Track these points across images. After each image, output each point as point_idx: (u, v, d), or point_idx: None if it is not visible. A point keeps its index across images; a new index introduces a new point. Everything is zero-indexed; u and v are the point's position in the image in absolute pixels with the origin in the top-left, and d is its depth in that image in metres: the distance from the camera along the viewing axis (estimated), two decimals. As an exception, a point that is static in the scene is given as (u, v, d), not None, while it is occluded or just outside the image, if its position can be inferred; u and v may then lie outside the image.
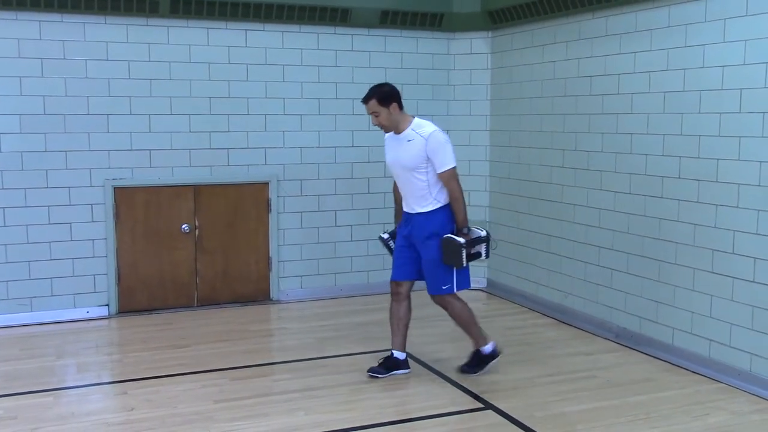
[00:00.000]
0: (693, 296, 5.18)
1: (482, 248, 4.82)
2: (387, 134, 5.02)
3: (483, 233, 4.82)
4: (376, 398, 4.71)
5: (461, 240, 4.70)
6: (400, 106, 4.84)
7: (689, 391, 4.80)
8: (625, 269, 5.77)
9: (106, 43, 6.27)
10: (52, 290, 6.32)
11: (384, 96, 4.78)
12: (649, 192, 5.52)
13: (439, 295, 4.93)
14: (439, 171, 4.74)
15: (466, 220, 4.81)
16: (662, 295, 5.44)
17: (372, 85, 4.91)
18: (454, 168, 4.77)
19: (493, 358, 5.10)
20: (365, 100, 4.83)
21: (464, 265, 4.75)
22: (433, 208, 4.81)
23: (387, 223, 7.27)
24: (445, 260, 4.78)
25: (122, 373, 5.24)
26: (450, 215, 4.83)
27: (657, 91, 5.41)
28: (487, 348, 5.09)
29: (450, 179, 4.76)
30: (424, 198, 4.82)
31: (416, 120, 4.86)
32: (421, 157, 4.73)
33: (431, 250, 4.82)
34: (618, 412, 4.46)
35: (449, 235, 4.75)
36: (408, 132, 4.82)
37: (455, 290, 4.90)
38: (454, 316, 5.03)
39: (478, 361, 5.08)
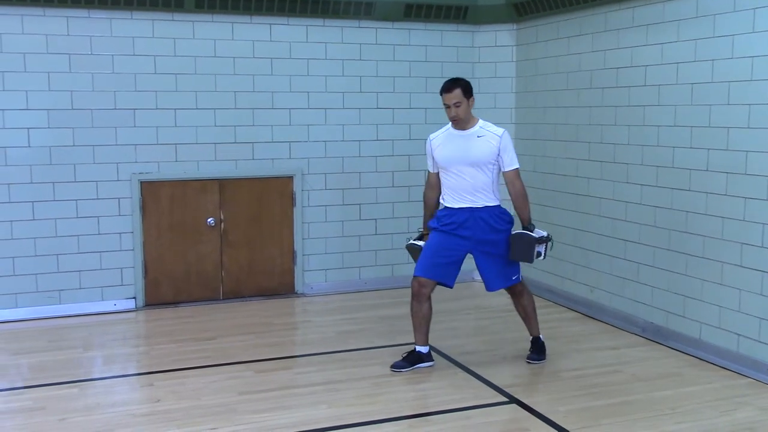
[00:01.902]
0: (721, 290, 5.11)
1: (542, 248, 4.93)
2: (438, 132, 5.06)
3: (545, 233, 4.96)
4: (399, 391, 4.71)
5: (535, 235, 4.85)
6: None
7: (716, 387, 4.74)
8: (651, 263, 5.71)
9: (133, 39, 6.33)
10: (80, 283, 6.40)
11: (468, 87, 4.89)
12: (676, 185, 5.44)
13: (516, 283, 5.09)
14: (508, 169, 4.91)
15: (530, 217, 4.99)
16: (690, 289, 5.37)
17: (448, 79, 4.96)
18: (519, 168, 4.96)
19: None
20: (449, 89, 4.84)
21: (533, 261, 4.90)
22: (494, 204, 4.93)
23: (412, 217, 7.28)
24: (513, 255, 4.91)
25: (148, 365, 5.29)
26: (509, 212, 5.01)
27: (685, 82, 5.33)
28: (542, 336, 5.28)
29: (516, 177, 4.94)
30: (485, 193, 4.92)
31: (480, 120, 4.98)
32: (494, 153, 4.87)
33: (501, 246, 4.92)
34: (643, 407, 4.41)
35: (523, 231, 4.90)
36: (477, 129, 4.92)
37: (521, 279, 5.07)
38: (525, 303, 5.18)
39: (541, 349, 5.23)
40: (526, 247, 4.86)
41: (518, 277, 5.04)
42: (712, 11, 5.08)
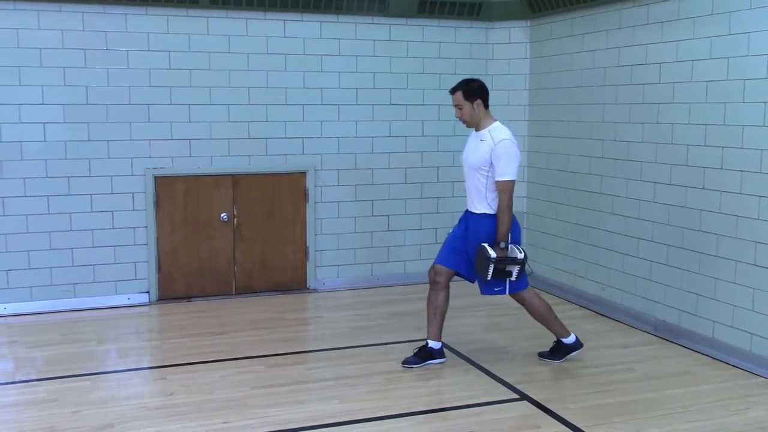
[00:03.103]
0: (735, 289, 5.09)
1: (514, 269, 4.76)
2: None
3: (520, 255, 4.75)
4: (410, 387, 4.72)
5: (492, 254, 4.67)
6: (486, 105, 4.88)
7: (729, 385, 4.72)
8: (664, 261, 5.69)
9: (147, 34, 6.36)
10: (94, 277, 6.44)
11: (470, 91, 4.84)
12: (690, 183, 5.42)
13: (513, 293, 4.95)
14: (497, 179, 4.76)
15: (506, 234, 4.76)
16: (703, 287, 5.34)
17: (463, 78, 4.96)
18: (512, 182, 4.75)
19: (575, 350, 5.12)
20: (452, 91, 4.91)
21: (488, 278, 4.75)
22: (486, 212, 4.84)
23: (424, 213, 7.29)
24: (475, 266, 4.83)
25: (161, 358, 5.33)
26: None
27: (699, 80, 5.31)
28: (569, 339, 5.12)
29: (503, 190, 4.74)
30: (480, 200, 4.86)
31: (496, 123, 4.88)
32: (485, 159, 4.77)
33: None
34: (655, 405, 4.41)
35: (485, 245, 4.73)
36: (484, 132, 4.86)
37: (507, 292, 4.92)
38: (531, 312, 5.08)
39: (558, 350, 5.14)
40: (482, 263, 4.71)
41: (502, 289, 4.87)
42: (728, 8, 5.05)
